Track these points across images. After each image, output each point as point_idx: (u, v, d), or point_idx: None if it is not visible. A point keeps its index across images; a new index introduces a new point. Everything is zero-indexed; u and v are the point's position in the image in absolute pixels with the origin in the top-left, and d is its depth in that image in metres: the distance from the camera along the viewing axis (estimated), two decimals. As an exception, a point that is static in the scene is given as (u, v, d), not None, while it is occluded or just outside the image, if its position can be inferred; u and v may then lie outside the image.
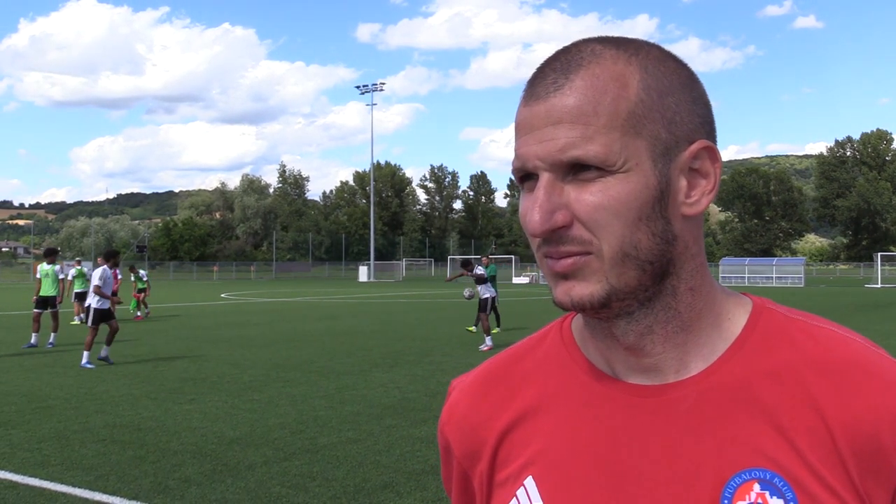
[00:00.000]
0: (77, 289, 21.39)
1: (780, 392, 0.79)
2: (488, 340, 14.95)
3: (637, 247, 0.77)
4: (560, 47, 0.82)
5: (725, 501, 0.77)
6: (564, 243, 0.77)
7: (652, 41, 0.83)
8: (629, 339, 0.82)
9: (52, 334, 15.87)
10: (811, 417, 0.77)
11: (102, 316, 12.89)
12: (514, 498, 0.86)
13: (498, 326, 18.52)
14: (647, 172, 0.77)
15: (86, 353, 12.58)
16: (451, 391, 0.99)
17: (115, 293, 21.56)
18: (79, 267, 22.43)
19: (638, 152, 0.76)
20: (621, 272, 0.77)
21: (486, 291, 16.09)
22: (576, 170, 0.76)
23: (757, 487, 0.76)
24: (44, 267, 16.52)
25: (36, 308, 16.05)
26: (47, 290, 16.32)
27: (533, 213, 0.76)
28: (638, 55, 0.79)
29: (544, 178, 0.77)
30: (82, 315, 21.35)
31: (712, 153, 0.81)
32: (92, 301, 12.93)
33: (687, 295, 0.82)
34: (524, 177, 0.80)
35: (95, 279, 12.93)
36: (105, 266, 13.26)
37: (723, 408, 0.80)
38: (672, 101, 0.78)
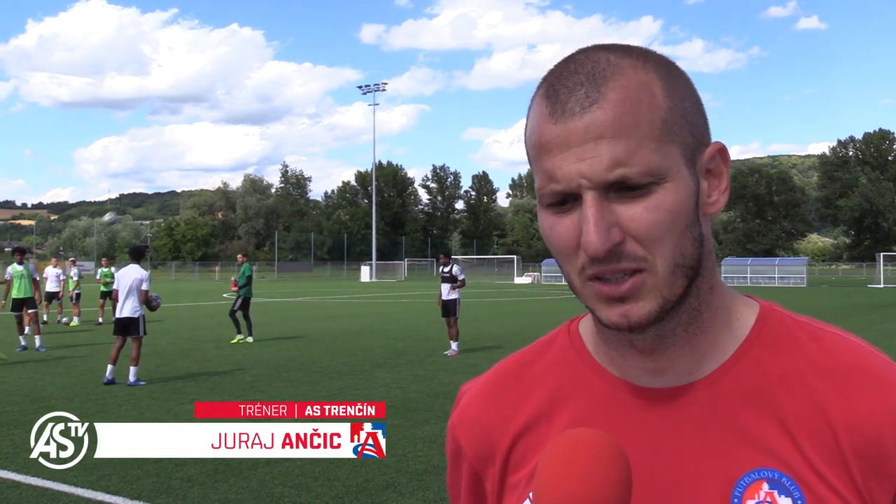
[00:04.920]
0: (76, 290, 21.35)
1: (787, 394, 0.80)
2: (454, 346, 13.97)
3: (685, 254, 0.77)
4: (565, 57, 0.80)
5: (735, 501, 0.78)
6: (619, 260, 0.75)
7: (646, 47, 0.82)
8: (652, 344, 0.82)
9: (37, 337, 15.05)
10: (816, 420, 0.78)
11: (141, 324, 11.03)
12: (527, 500, 0.87)
13: (250, 335, 16.16)
14: (686, 179, 0.77)
15: (133, 370, 10.70)
16: (460, 396, 1.00)
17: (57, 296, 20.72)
18: (76, 268, 22.36)
19: (676, 159, 0.76)
20: (673, 283, 0.77)
21: (453, 293, 14.23)
22: (620, 184, 0.74)
23: (766, 487, 0.78)
24: (15, 268, 15.56)
25: (12, 311, 15.38)
26: (22, 291, 15.42)
27: (590, 234, 0.74)
28: (649, 62, 0.79)
29: (591, 196, 0.74)
30: (58, 318, 21.09)
31: (724, 154, 0.82)
32: (140, 309, 11.01)
33: (707, 294, 0.83)
34: (559, 197, 0.77)
35: (144, 284, 11.00)
36: (138, 265, 11.26)
37: (732, 409, 0.81)
38: (689, 105, 0.79)
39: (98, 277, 21.82)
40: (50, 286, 20.88)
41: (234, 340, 16.07)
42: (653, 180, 0.74)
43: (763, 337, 0.84)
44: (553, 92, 0.77)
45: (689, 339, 0.83)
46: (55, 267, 21.35)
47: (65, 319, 21.23)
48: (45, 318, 21.08)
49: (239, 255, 17.74)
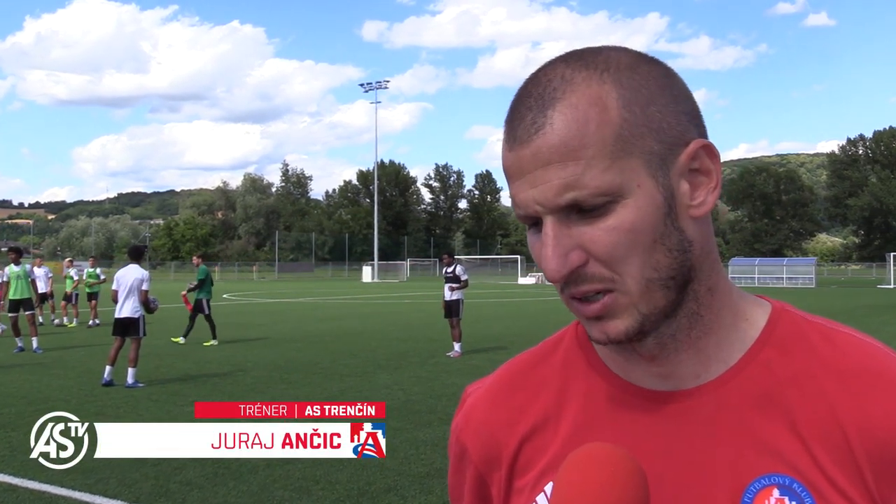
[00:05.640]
0: (69, 289, 21.14)
1: (799, 397, 0.79)
2: (457, 347, 14.02)
3: (657, 268, 0.76)
4: (530, 74, 0.80)
5: None
6: (585, 282, 0.76)
7: (620, 45, 0.81)
8: (653, 351, 0.82)
9: (34, 339, 14.99)
10: (829, 423, 0.77)
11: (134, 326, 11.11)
12: (534, 503, 0.87)
13: (184, 336, 16.22)
14: (650, 191, 0.75)
15: (132, 371, 10.73)
16: (465, 398, 0.99)
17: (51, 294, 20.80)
18: (74, 268, 22.19)
19: (636, 173, 0.75)
20: (649, 298, 0.77)
21: (456, 294, 14.25)
22: (574, 207, 0.75)
23: (776, 493, 0.77)
24: (12, 268, 15.59)
25: (9, 312, 15.46)
26: (19, 292, 15.43)
27: (548, 260, 0.75)
28: (609, 69, 0.77)
29: (549, 221, 0.75)
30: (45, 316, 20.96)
31: (709, 150, 0.79)
32: (140, 309, 11.10)
33: (706, 296, 0.82)
34: (526, 221, 0.80)
35: (145, 284, 11.09)
36: (138, 265, 11.39)
37: (742, 412, 0.81)
38: (655, 110, 0.77)
39: (84, 278, 21.42)
40: (39, 287, 20.86)
41: (209, 343, 16.03)
42: (608, 199, 0.74)
43: (774, 338, 0.83)
44: (510, 118, 0.79)
45: (691, 342, 0.82)
46: (40, 267, 21.38)
47: (57, 321, 21.10)
48: (40, 319, 21.07)
49: (195, 258, 17.69)
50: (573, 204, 0.74)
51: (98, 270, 21.96)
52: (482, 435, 0.93)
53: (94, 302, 20.86)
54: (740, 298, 0.86)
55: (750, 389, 0.81)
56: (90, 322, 20.68)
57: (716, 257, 0.83)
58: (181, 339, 16.23)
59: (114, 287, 11.27)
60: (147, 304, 11.22)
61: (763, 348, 0.83)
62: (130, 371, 10.71)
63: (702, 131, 0.81)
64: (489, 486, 0.94)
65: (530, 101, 0.77)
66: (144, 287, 11.09)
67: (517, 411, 0.92)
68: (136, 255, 11.68)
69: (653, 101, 0.77)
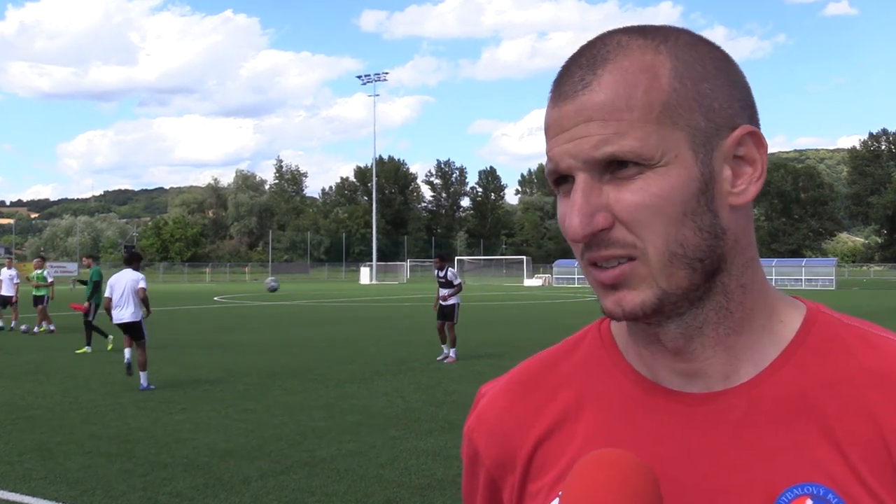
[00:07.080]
0: (35, 293, 20.68)
1: (835, 402, 0.79)
2: (452, 353, 14.13)
3: (683, 244, 0.76)
4: (585, 41, 0.83)
5: None
6: (607, 246, 0.76)
7: (681, 27, 0.83)
8: (678, 342, 0.81)
9: None
10: (867, 430, 0.77)
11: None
12: None
13: (88, 345, 15.74)
14: (688, 164, 0.76)
15: (143, 374, 11.20)
16: (479, 398, 0.99)
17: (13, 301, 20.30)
18: (38, 271, 21.70)
19: (677, 144, 0.76)
20: (671, 273, 0.76)
21: (452, 298, 14.45)
22: (613, 168, 0.76)
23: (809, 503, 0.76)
24: None
25: None
26: None
27: (572, 217, 0.76)
28: (667, 42, 0.79)
29: (580, 178, 0.77)
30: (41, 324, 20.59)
31: (757, 138, 0.80)
32: (139, 313, 11.62)
33: (738, 292, 0.81)
34: (559, 180, 0.80)
35: (142, 283, 11.64)
36: (132, 269, 11.87)
37: (774, 418, 0.80)
38: (707, 88, 0.78)
39: (35, 282, 20.73)
40: (5, 290, 20.67)
41: (80, 350, 15.64)
42: (644, 163, 0.75)
43: (810, 340, 0.83)
44: (558, 78, 0.82)
45: (720, 339, 0.81)
46: (10, 269, 21.25)
47: (24, 326, 20.51)
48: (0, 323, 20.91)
49: (84, 258, 17.58)
50: (609, 160, 0.75)
51: (46, 272, 21.25)
52: (496, 436, 0.93)
53: (41, 306, 20.38)
54: (777, 299, 0.85)
55: (783, 393, 0.80)
56: (51, 328, 20.27)
57: (753, 255, 0.83)
58: (86, 349, 15.68)
59: (107, 294, 11.66)
60: (147, 302, 11.71)
61: (797, 351, 0.82)
62: (142, 375, 11.22)
63: (754, 122, 0.82)
64: (501, 490, 0.93)
65: (582, 61, 0.80)
66: (142, 285, 11.57)
67: (533, 412, 0.91)
68: (132, 261, 12.03)
69: (706, 79, 0.79)
